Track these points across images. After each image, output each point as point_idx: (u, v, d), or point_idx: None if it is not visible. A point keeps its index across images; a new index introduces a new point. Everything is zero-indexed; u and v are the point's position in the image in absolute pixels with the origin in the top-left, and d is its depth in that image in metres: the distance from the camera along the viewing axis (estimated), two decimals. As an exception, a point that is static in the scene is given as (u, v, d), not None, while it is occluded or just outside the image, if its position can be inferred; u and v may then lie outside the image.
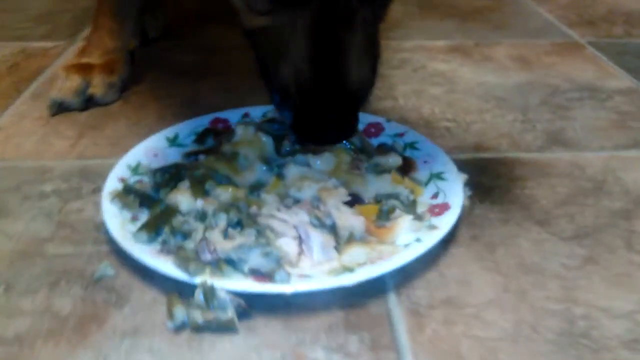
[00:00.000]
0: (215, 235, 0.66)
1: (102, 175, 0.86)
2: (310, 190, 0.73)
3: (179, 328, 0.60)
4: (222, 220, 0.68)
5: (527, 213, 0.77)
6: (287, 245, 0.66)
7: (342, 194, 0.72)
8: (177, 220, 0.70)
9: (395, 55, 1.27)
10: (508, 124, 0.99)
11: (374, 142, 0.87)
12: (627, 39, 1.37)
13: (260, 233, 0.66)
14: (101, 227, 0.74)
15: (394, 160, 0.79)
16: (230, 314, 0.60)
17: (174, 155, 0.86)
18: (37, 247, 0.72)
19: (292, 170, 0.76)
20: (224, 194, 0.72)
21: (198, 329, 0.60)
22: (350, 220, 0.69)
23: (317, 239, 0.67)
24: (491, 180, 0.84)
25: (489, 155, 0.90)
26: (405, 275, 0.66)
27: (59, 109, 1.04)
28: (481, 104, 1.06)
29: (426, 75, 1.18)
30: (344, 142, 0.81)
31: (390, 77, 1.16)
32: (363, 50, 0.71)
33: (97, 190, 0.83)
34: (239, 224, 0.69)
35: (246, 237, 0.65)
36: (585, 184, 0.83)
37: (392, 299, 0.64)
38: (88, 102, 1.05)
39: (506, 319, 0.62)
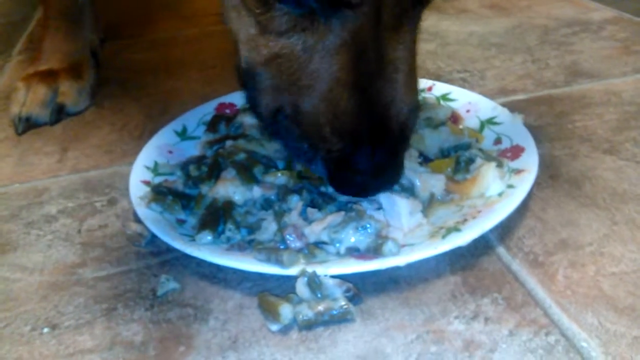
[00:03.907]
0: (296, 220, 0.57)
1: (111, 186, 0.75)
2: (374, 155, 0.65)
3: (286, 328, 0.52)
4: (295, 202, 0.59)
5: (591, 144, 0.73)
6: (377, 216, 0.58)
7: (414, 155, 0.65)
8: (237, 213, 0.60)
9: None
10: (520, 66, 0.95)
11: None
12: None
13: (345, 209, 0.58)
14: (139, 239, 0.63)
15: (444, 111, 0.73)
16: (342, 301, 0.52)
17: (189, 148, 0.76)
18: (68, 275, 0.61)
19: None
20: (277, 179, 0.63)
21: (309, 325, 0.51)
22: (430, 180, 0.62)
23: (405, 205, 0.59)
24: (536, 120, 0.79)
25: (520, 97, 0.86)
26: (503, 226, 0.60)
27: (27, 125, 0.90)
28: (482, 52, 1.02)
29: (412, 34, 1.12)
30: None
31: (377, 41, 1.10)
32: (410, 70, 0.55)
33: (113, 201, 0.71)
34: (311, 204, 0.60)
35: (333, 215, 0.57)
36: (629, 108, 0.80)
37: (503, 253, 0.58)
38: (59, 113, 0.92)
39: (632, 250, 0.57)
